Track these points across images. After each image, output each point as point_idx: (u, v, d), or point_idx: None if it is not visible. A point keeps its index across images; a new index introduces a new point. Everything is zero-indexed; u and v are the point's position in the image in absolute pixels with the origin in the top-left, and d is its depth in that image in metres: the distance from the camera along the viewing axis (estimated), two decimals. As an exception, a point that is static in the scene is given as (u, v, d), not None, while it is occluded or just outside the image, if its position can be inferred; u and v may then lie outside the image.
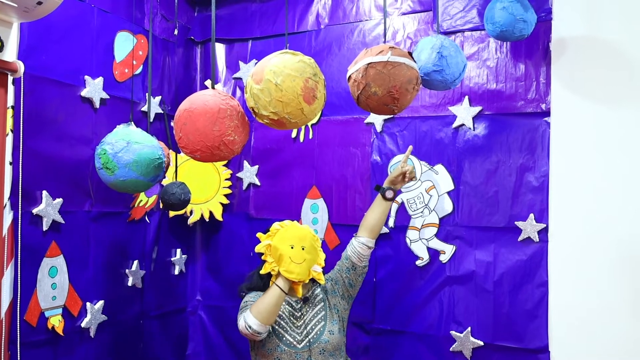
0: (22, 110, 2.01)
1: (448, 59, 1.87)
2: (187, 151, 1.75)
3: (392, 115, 2.44)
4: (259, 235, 2.08)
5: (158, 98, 2.70)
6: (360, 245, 2.17)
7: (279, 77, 1.64)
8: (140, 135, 1.88)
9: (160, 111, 2.70)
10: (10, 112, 1.97)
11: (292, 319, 2.14)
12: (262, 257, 2.06)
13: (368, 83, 1.72)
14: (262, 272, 2.06)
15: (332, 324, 2.13)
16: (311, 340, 2.09)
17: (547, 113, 2.28)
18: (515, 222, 2.30)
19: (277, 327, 2.12)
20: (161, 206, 2.60)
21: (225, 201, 2.86)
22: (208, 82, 2.94)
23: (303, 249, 2.02)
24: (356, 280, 2.20)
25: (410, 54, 1.74)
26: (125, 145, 1.83)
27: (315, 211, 2.68)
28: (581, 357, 2.18)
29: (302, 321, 2.13)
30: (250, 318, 2.01)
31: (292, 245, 2.02)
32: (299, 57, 1.71)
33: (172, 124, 1.79)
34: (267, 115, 1.67)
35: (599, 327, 2.15)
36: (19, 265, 1.98)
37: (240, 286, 2.22)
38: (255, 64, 1.98)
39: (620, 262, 2.14)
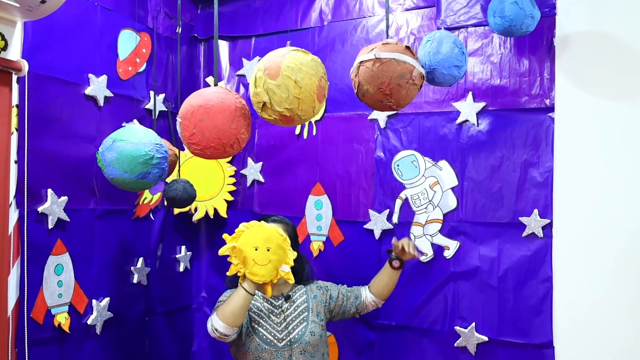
0: (26, 109, 2.02)
1: (466, 56, 1.89)
2: (198, 148, 1.75)
3: (394, 111, 2.43)
4: (224, 236, 2.04)
5: (162, 96, 2.71)
6: (371, 301, 2.28)
7: (297, 74, 1.65)
8: (129, 133, 1.89)
9: (165, 109, 2.71)
10: (14, 111, 1.98)
11: (271, 316, 2.15)
12: (228, 259, 2.02)
13: (360, 81, 1.74)
14: (228, 274, 2.03)
15: (313, 325, 2.15)
16: (292, 339, 2.10)
17: (551, 108, 2.27)
18: (520, 218, 2.30)
19: (255, 324, 2.13)
20: (165, 203, 2.63)
21: (230, 198, 2.87)
22: (210, 79, 2.95)
23: (268, 250, 1.97)
24: (340, 317, 2.30)
25: (408, 47, 1.74)
26: (111, 143, 1.87)
27: (319, 207, 2.69)
28: (586, 352, 2.18)
29: (283, 318, 2.14)
30: (217, 321, 2.02)
31: (256, 247, 1.97)
32: (310, 55, 1.73)
33: (178, 120, 1.78)
34: (281, 111, 1.67)
35: (604, 322, 2.15)
36: (25, 263, 2.00)
37: (227, 279, 2.24)
38: (259, 60, 1.98)
39: (625, 257, 2.13)
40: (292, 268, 2.04)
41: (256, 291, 2.06)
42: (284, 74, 1.65)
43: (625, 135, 2.14)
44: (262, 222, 2.06)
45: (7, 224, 1.94)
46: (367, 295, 2.28)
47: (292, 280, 2.03)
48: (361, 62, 1.76)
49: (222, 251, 2.02)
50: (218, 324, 2.02)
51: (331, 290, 2.28)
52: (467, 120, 2.41)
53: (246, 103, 1.85)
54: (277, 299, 2.19)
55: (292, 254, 2.04)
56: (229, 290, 2.17)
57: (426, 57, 1.83)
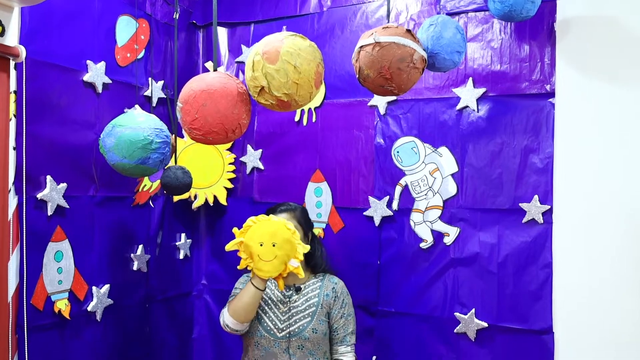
0: (24, 96, 2.00)
1: (466, 42, 1.89)
2: (200, 133, 1.74)
3: (395, 96, 2.43)
4: (234, 230, 2.05)
5: (160, 83, 2.69)
6: None
7: (297, 60, 1.64)
8: (128, 118, 1.89)
9: (164, 96, 2.70)
10: (12, 97, 1.97)
11: (278, 304, 2.15)
12: (238, 254, 2.04)
13: (361, 66, 1.74)
14: (239, 267, 2.04)
15: (318, 322, 2.12)
16: (292, 332, 2.09)
17: (551, 94, 2.26)
18: (520, 204, 2.30)
19: (260, 310, 2.14)
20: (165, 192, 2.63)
21: (230, 185, 2.86)
22: (209, 64, 2.93)
23: (274, 245, 1.98)
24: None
25: (409, 31, 1.73)
26: (110, 129, 1.88)
27: (319, 194, 2.68)
28: (585, 337, 2.19)
29: (288, 309, 2.14)
30: (227, 317, 2.05)
31: (261, 242, 1.98)
32: (307, 41, 1.72)
33: (178, 104, 1.78)
34: (279, 96, 1.67)
35: (604, 308, 2.15)
36: (24, 250, 1.99)
37: None
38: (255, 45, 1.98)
39: (625, 242, 2.13)
40: (305, 256, 2.06)
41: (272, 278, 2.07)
42: (283, 58, 1.64)
43: (626, 120, 2.14)
44: (271, 215, 2.07)
45: (7, 210, 1.94)
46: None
47: (301, 275, 2.02)
48: (361, 46, 1.75)
49: (228, 247, 2.03)
50: (229, 319, 2.05)
51: (335, 307, 2.18)
52: (467, 107, 2.40)
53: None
54: (288, 289, 2.19)
55: (304, 248, 2.04)
56: (245, 276, 2.17)
57: (428, 41, 1.81)
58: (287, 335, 2.09)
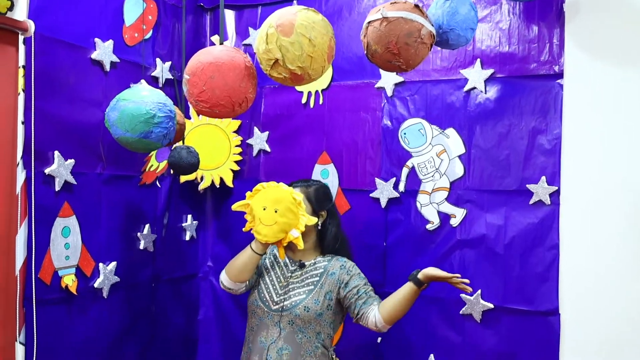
0: (33, 71, 2.01)
1: (477, 19, 1.88)
2: (207, 106, 1.74)
3: (403, 72, 2.41)
4: (247, 193, 2.12)
5: (168, 63, 2.69)
6: (375, 320, 2.05)
7: (311, 32, 1.64)
8: (133, 92, 1.90)
9: (171, 77, 2.70)
10: (21, 72, 1.98)
11: (280, 277, 2.17)
12: (245, 217, 2.10)
13: (369, 42, 1.74)
14: (243, 230, 2.10)
15: (313, 301, 2.10)
16: (284, 306, 2.10)
17: (560, 75, 2.25)
18: (527, 185, 2.29)
19: (261, 280, 2.18)
20: (172, 172, 2.64)
21: (236, 167, 2.86)
22: (215, 38, 2.93)
23: (276, 211, 2.02)
24: (346, 310, 2.18)
25: (417, 6, 1.73)
26: (115, 103, 1.90)
27: (326, 176, 2.68)
28: (592, 319, 2.18)
29: (286, 283, 2.15)
30: (223, 273, 2.14)
31: (264, 206, 2.03)
32: (320, 15, 1.72)
33: (185, 77, 1.78)
34: (293, 69, 1.67)
35: (610, 290, 2.15)
36: (32, 224, 2.00)
37: None
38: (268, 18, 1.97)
39: (632, 224, 2.12)
40: (318, 235, 2.13)
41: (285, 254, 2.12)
42: (298, 31, 1.64)
43: (635, 102, 2.12)
44: (281, 183, 2.10)
45: (15, 184, 1.95)
46: (375, 313, 2.06)
47: (301, 246, 2.05)
48: (369, 22, 1.75)
49: (235, 207, 2.11)
50: (223, 276, 2.15)
51: (352, 278, 2.14)
52: (474, 88, 2.40)
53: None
54: (293, 263, 2.20)
55: (309, 220, 2.06)
56: None
57: (444, 17, 1.80)
58: (280, 309, 2.10)
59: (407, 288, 2.04)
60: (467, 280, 2.03)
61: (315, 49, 1.65)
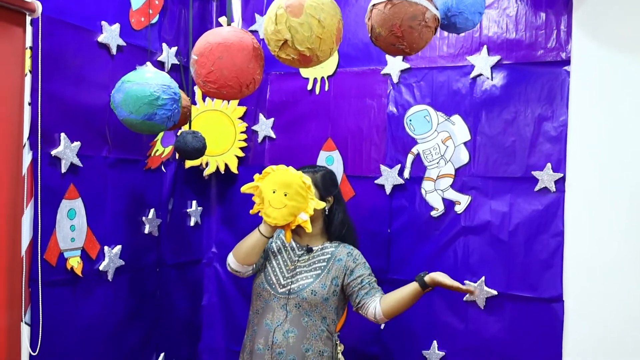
0: (40, 52, 2.01)
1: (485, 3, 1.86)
2: (215, 86, 1.74)
3: (407, 55, 2.40)
4: (255, 176, 2.12)
5: (174, 49, 2.69)
6: (374, 312, 2.07)
7: (320, 14, 1.64)
8: (138, 74, 1.91)
9: (177, 62, 2.70)
10: (28, 53, 1.98)
11: (287, 261, 2.18)
12: (253, 199, 2.11)
13: (373, 25, 1.73)
14: (251, 212, 2.11)
15: (320, 285, 2.10)
16: (291, 290, 2.11)
17: (567, 62, 2.25)
18: (532, 172, 2.29)
19: (268, 263, 2.19)
20: (177, 156, 2.64)
21: (241, 154, 2.87)
22: (222, 19, 2.92)
23: (285, 195, 2.02)
24: (348, 298, 2.18)
25: None
26: (120, 84, 1.91)
27: (331, 163, 2.68)
28: (595, 306, 2.18)
29: (294, 267, 2.15)
30: (230, 255, 2.14)
31: (274, 189, 2.04)
32: None
33: (193, 57, 1.77)
34: (302, 50, 1.66)
35: (614, 277, 2.15)
36: (38, 205, 2.01)
37: None
38: None
39: (638, 212, 2.12)
40: (325, 221, 2.15)
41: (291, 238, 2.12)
42: (307, 12, 1.64)
43: (642, 88, 2.12)
44: (291, 167, 2.10)
45: (22, 165, 1.96)
46: (376, 305, 2.07)
47: (309, 229, 2.05)
48: (374, 5, 1.74)
49: (244, 189, 2.12)
50: (230, 258, 2.14)
51: (357, 267, 2.15)
52: (481, 74, 2.39)
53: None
54: (300, 248, 2.21)
55: (318, 204, 2.06)
56: None
57: (452, 0, 1.79)
58: (287, 292, 2.11)
59: (412, 288, 2.04)
60: (473, 290, 2.07)
61: (325, 30, 1.65)
